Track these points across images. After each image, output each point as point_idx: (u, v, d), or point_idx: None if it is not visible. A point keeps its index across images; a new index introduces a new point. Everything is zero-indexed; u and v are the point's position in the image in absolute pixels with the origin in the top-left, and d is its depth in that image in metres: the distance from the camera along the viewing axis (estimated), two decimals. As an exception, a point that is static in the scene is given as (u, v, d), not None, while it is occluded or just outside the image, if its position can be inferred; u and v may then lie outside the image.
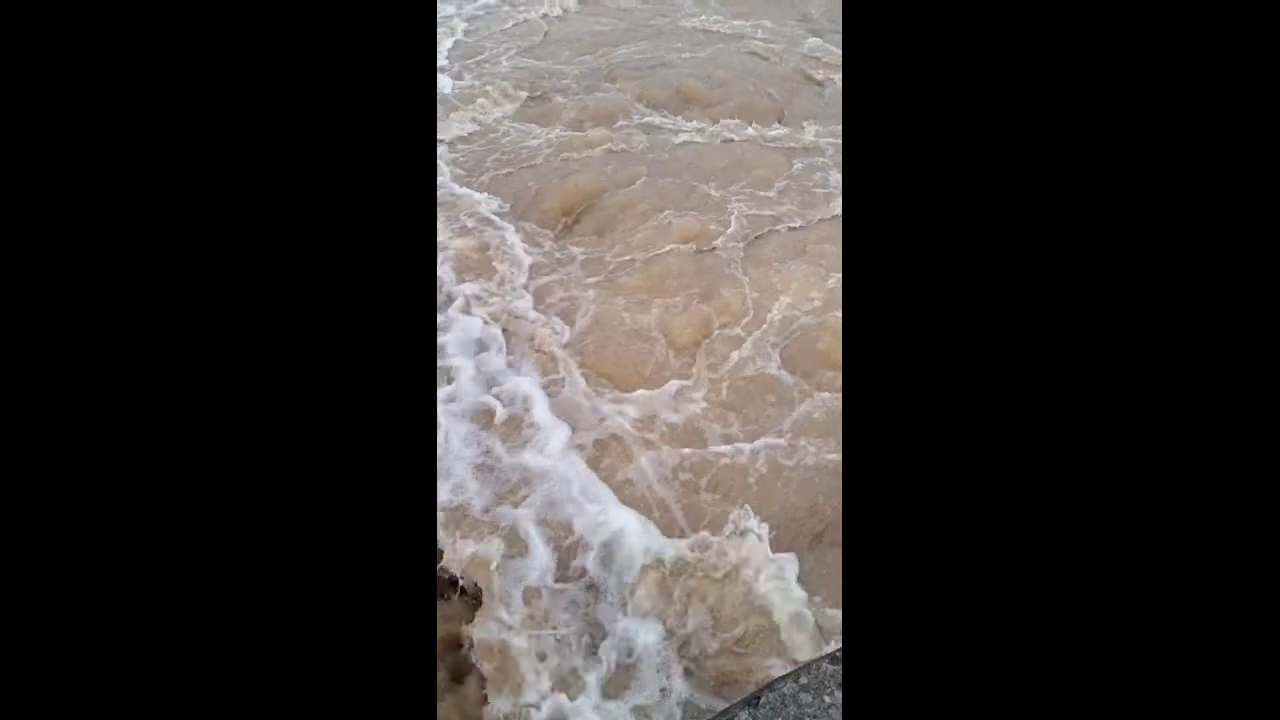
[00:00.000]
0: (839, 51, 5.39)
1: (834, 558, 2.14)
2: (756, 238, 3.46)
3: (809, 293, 3.08)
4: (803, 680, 1.59)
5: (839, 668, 1.59)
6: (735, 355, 2.79)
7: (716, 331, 2.90)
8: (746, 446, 2.43)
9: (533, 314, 3.01)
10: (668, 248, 3.38)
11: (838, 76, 5.05)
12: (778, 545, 2.13)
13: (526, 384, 2.67)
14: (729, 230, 3.49)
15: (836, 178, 3.90)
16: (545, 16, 6.27)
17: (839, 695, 1.54)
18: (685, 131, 4.43)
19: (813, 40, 5.73)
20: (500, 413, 2.55)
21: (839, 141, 4.23)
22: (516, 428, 2.52)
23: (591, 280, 3.21)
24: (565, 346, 2.84)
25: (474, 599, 2.09)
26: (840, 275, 3.20)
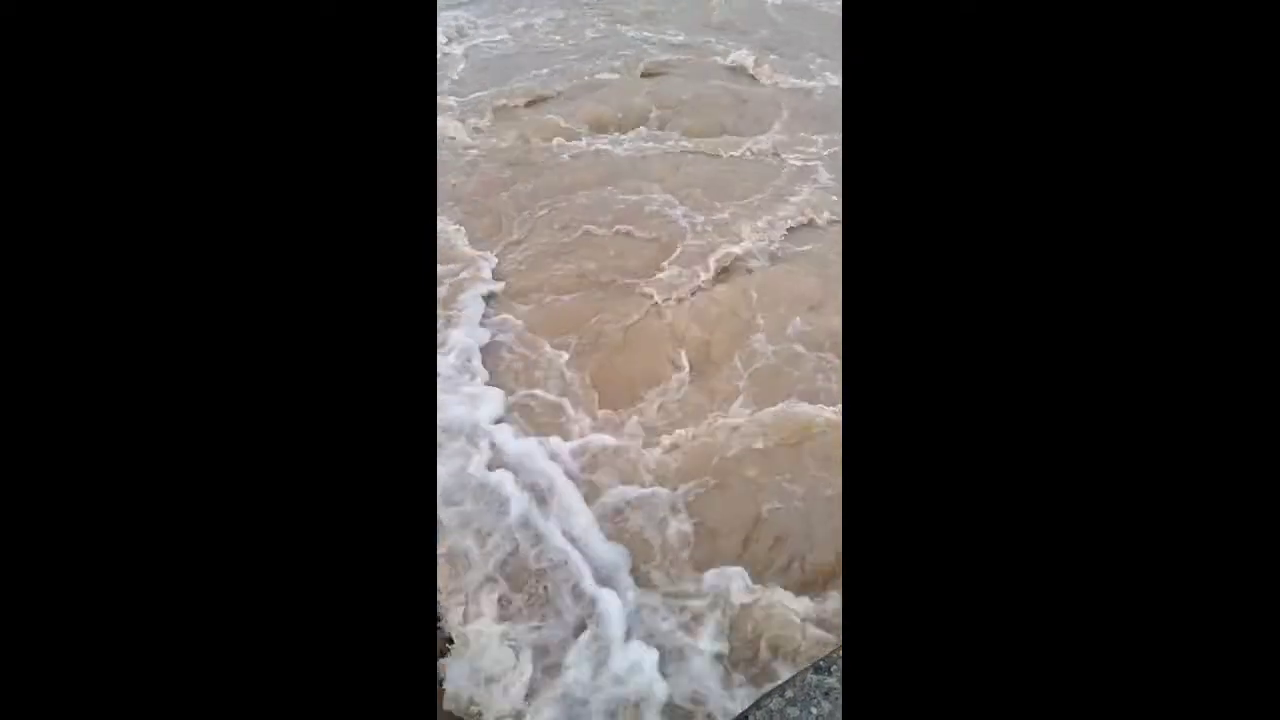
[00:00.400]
0: (799, 66, 5.60)
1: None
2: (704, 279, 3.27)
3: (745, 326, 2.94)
4: (788, 694, 1.57)
5: (823, 678, 1.58)
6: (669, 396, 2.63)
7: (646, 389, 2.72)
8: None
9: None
10: (599, 275, 3.25)
11: (813, 92, 5.18)
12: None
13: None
14: (669, 263, 3.32)
15: (801, 196, 3.93)
16: (474, 46, 6.25)
17: (826, 706, 1.52)
18: (646, 144, 4.46)
19: (774, 57, 5.88)
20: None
21: (814, 155, 4.31)
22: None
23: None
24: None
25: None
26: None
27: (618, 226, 3.61)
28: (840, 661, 1.61)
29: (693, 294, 3.18)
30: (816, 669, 1.59)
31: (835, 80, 5.38)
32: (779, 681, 1.70)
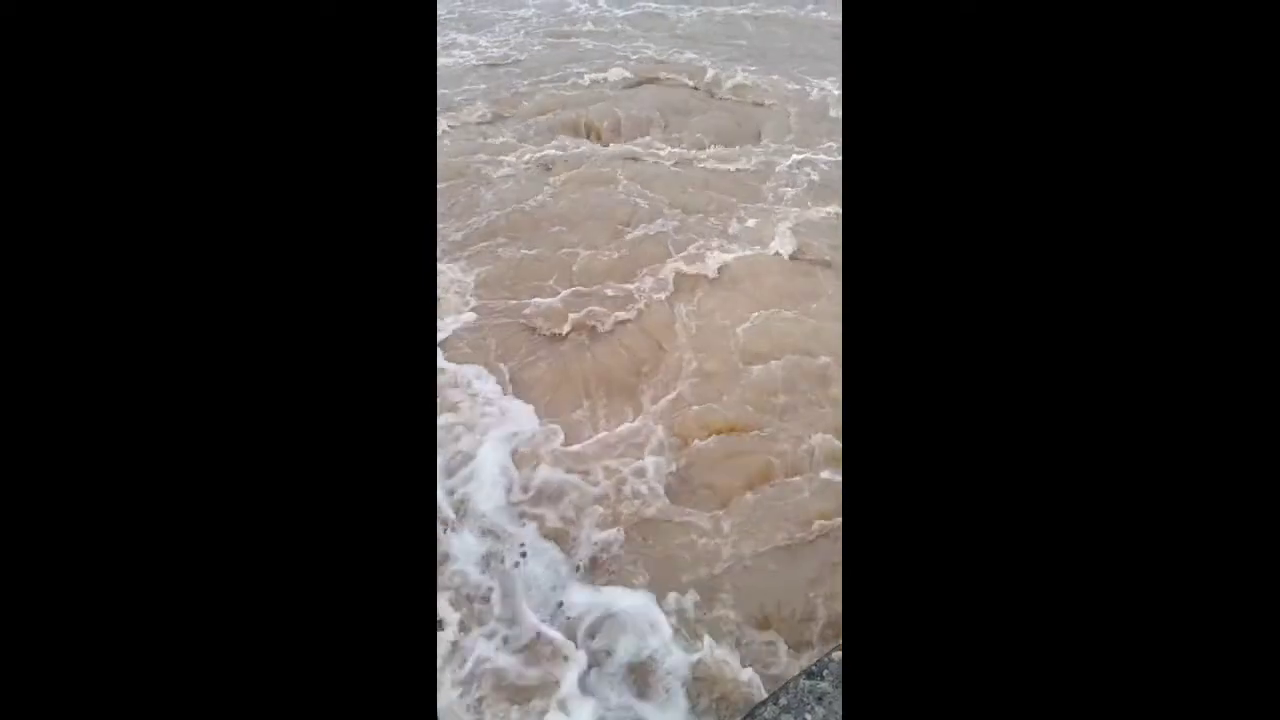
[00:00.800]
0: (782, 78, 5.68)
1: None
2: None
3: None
4: (782, 701, 1.57)
5: (815, 682, 1.59)
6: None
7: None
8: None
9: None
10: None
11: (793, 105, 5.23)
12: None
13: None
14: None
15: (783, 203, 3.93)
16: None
17: (819, 710, 1.53)
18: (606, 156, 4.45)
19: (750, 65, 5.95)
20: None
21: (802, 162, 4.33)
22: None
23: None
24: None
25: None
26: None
27: (565, 248, 3.54)
28: (830, 665, 1.62)
29: (637, 315, 3.10)
30: (809, 674, 1.60)
31: (812, 89, 5.49)
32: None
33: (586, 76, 5.70)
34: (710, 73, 5.75)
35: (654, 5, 7.82)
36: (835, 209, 3.80)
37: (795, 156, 4.44)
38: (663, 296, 3.19)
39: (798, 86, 5.48)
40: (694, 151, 4.58)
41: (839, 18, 7.22)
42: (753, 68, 5.91)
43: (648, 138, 4.74)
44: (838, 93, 5.29)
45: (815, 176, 4.18)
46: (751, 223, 3.73)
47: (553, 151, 4.54)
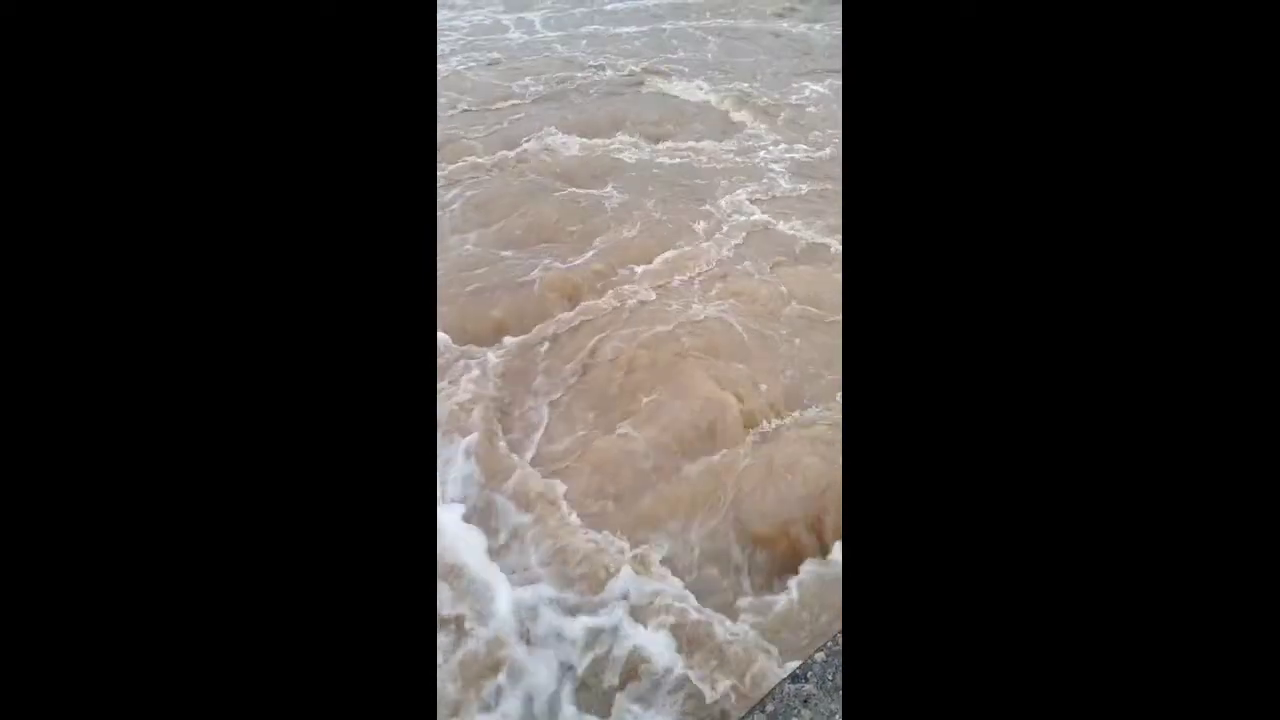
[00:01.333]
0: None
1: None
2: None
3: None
4: (769, 709, 1.57)
5: (800, 685, 1.60)
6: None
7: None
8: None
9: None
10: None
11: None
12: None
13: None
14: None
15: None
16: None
17: (806, 714, 1.54)
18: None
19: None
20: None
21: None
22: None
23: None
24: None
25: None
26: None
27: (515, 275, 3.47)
28: (814, 667, 1.63)
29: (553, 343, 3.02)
30: (794, 678, 1.61)
31: (780, 97, 5.63)
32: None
33: (545, 85, 5.71)
34: (666, 78, 5.85)
35: (599, 27, 7.91)
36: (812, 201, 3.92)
37: (772, 151, 4.59)
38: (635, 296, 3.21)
39: (779, 94, 5.64)
40: (664, 145, 4.68)
41: (803, 29, 7.51)
42: (716, 74, 6.06)
43: (614, 138, 4.78)
44: (802, 98, 5.52)
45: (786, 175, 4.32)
46: (739, 214, 3.81)
47: (507, 151, 4.55)
